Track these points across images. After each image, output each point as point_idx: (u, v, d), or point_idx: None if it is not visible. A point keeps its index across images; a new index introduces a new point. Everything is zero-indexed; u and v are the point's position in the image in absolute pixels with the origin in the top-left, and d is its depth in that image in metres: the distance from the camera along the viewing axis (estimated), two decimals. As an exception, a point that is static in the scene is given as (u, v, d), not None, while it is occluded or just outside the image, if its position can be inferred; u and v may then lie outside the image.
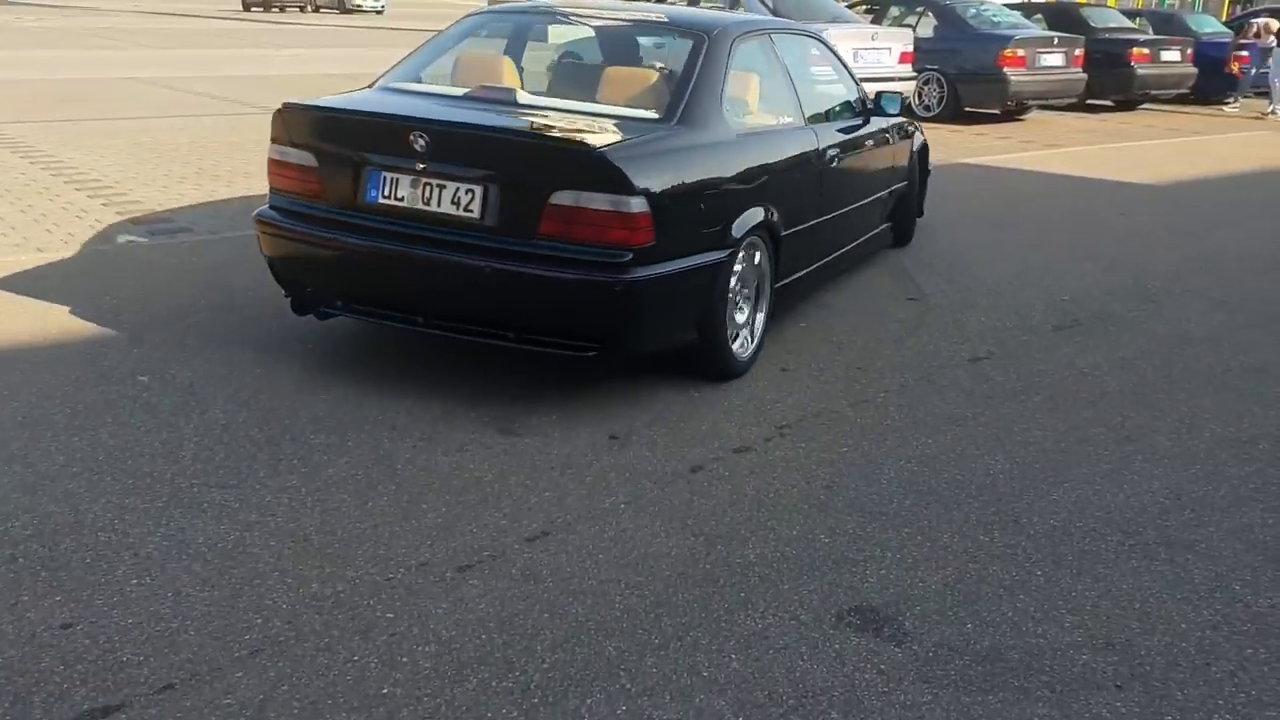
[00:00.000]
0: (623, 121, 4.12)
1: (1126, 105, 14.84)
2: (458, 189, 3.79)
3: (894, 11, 13.74)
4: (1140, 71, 13.84)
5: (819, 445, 3.67)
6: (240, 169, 7.99)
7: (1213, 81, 15.12)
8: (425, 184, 3.83)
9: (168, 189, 7.19)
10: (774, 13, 10.98)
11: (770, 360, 4.47)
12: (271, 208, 4.23)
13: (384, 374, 4.13)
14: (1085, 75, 12.90)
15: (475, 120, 4.12)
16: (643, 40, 5.27)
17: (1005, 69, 11.96)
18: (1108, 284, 5.86)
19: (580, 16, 5.07)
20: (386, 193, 3.89)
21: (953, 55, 12.37)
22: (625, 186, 3.67)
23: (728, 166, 4.26)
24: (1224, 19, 20.17)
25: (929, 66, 12.35)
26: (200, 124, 10.30)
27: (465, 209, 3.78)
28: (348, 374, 4.11)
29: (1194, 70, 14.77)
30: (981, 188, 8.65)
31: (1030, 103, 12.83)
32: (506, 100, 4.38)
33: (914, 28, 12.64)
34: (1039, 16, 15.03)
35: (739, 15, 6.01)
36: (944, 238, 6.79)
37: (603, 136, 3.84)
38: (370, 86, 4.68)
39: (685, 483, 3.35)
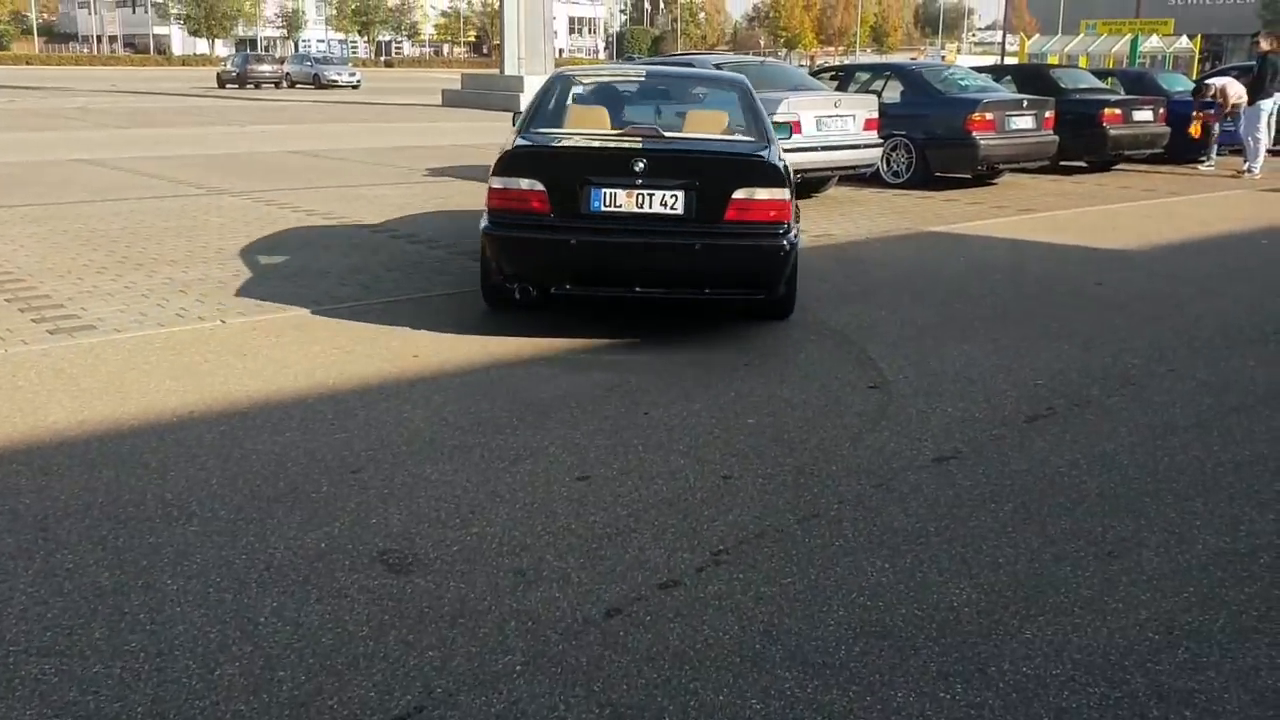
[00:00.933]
0: (744, 143, 6.17)
1: (1100, 166, 14.61)
2: (664, 194, 5.46)
3: (861, 77, 13.53)
4: (1113, 132, 13.59)
5: (759, 575, 3.19)
6: (167, 256, 7.56)
7: (1187, 141, 14.91)
8: (638, 194, 5.47)
9: (82, 281, 6.75)
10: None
11: (712, 466, 4.01)
12: (495, 224, 5.62)
13: (268, 496, 3.65)
14: (1057, 137, 12.63)
15: (673, 148, 5.84)
16: (695, 90, 7.46)
17: (974, 133, 11.68)
18: (1085, 364, 5.43)
19: (633, 77, 7.72)
20: (607, 203, 5.48)
21: (920, 120, 12.09)
22: (781, 182, 5.60)
23: (793, 170, 5.98)
24: (1194, 78, 20.11)
25: (896, 132, 12.05)
26: (140, 207, 9.90)
27: (671, 208, 5.49)
28: (228, 498, 3.63)
29: (1167, 130, 14.55)
30: (951, 258, 8.28)
31: (1001, 166, 12.54)
32: (658, 135, 5.99)
33: (880, 94, 12.38)
34: (1009, 78, 14.84)
35: (729, 74, 7.98)
36: (910, 314, 6.39)
37: (756, 153, 5.87)
38: (520, 135, 6.12)
39: (598, 632, 2.86)
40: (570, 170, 5.58)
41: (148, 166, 13.52)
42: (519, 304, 6.01)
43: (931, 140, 12.02)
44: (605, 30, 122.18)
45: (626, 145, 5.73)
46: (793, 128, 10.19)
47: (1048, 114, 12.53)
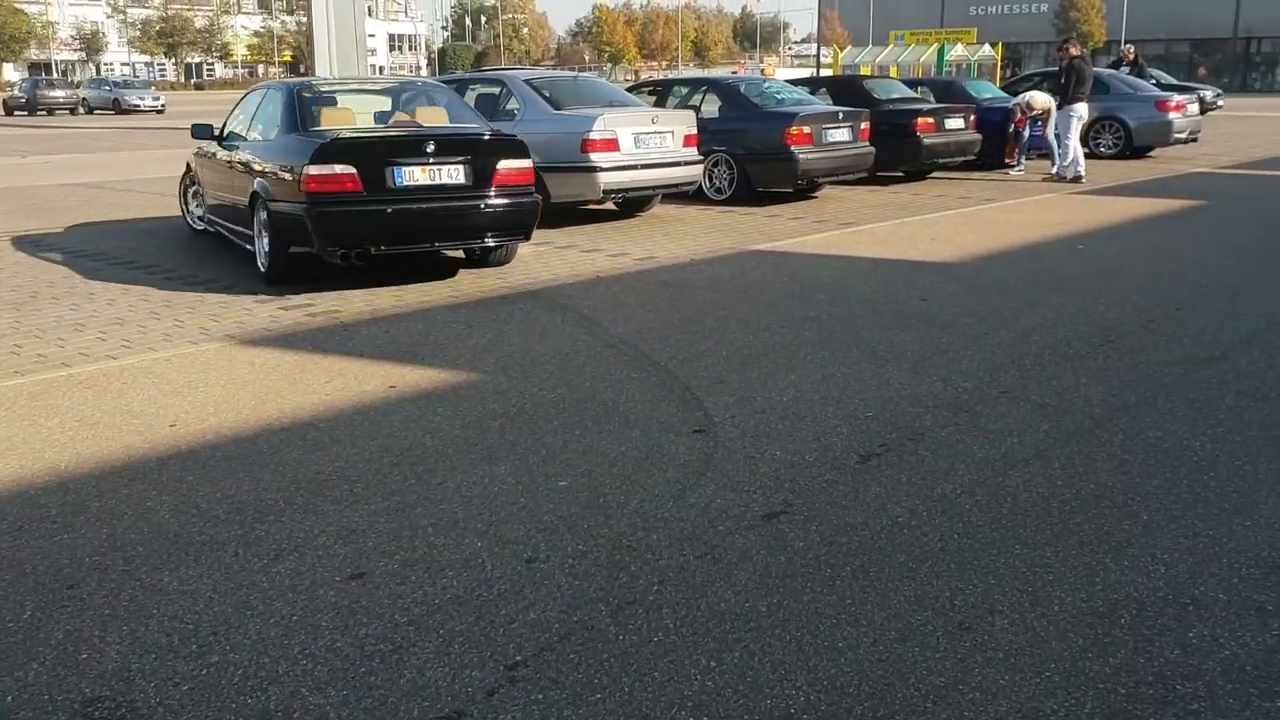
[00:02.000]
0: (484, 128, 8.04)
1: (916, 175, 14.75)
2: (450, 168, 7.16)
3: (679, 92, 13.26)
4: (927, 141, 13.71)
5: (563, 693, 2.66)
6: (-109, 315, 6.53)
7: (997, 147, 15.23)
8: (430, 169, 7.10)
9: None
10: (550, 101, 10.24)
11: (514, 547, 3.46)
12: (315, 203, 6.85)
13: (-49, 635, 2.91)
14: (873, 149, 12.62)
15: (452, 131, 7.73)
16: (413, 92, 9.02)
17: (792, 147, 11.51)
18: (915, 391, 5.12)
19: (360, 85, 9.42)
20: (407, 179, 7.03)
21: (739, 135, 11.86)
22: (528, 154, 7.59)
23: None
24: (999, 84, 20.73)
25: (716, 148, 11.80)
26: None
27: (455, 179, 7.20)
28: (-106, 642, 2.87)
29: (978, 137, 14.80)
30: (774, 278, 7.96)
31: (821, 180, 12.43)
32: (420, 125, 7.94)
33: (698, 109, 12.11)
34: (824, 90, 14.85)
35: (435, 81, 10.57)
36: (737, 343, 5.99)
37: (507, 134, 7.95)
38: (300, 135, 7.40)
39: (354, 799, 2.27)
40: (375, 155, 7.10)
41: (-101, 206, 12.09)
42: (304, 279, 7.45)
43: (751, 155, 11.80)
44: (426, 47, 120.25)
45: (418, 132, 7.59)
46: (609, 145, 9.77)
47: (864, 125, 12.51)
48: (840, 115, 12.21)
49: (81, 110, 44.45)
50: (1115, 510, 3.77)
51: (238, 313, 6.73)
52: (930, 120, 13.79)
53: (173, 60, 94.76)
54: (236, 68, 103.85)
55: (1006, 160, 15.13)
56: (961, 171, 15.55)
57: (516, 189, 7.47)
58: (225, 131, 8.70)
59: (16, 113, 41.88)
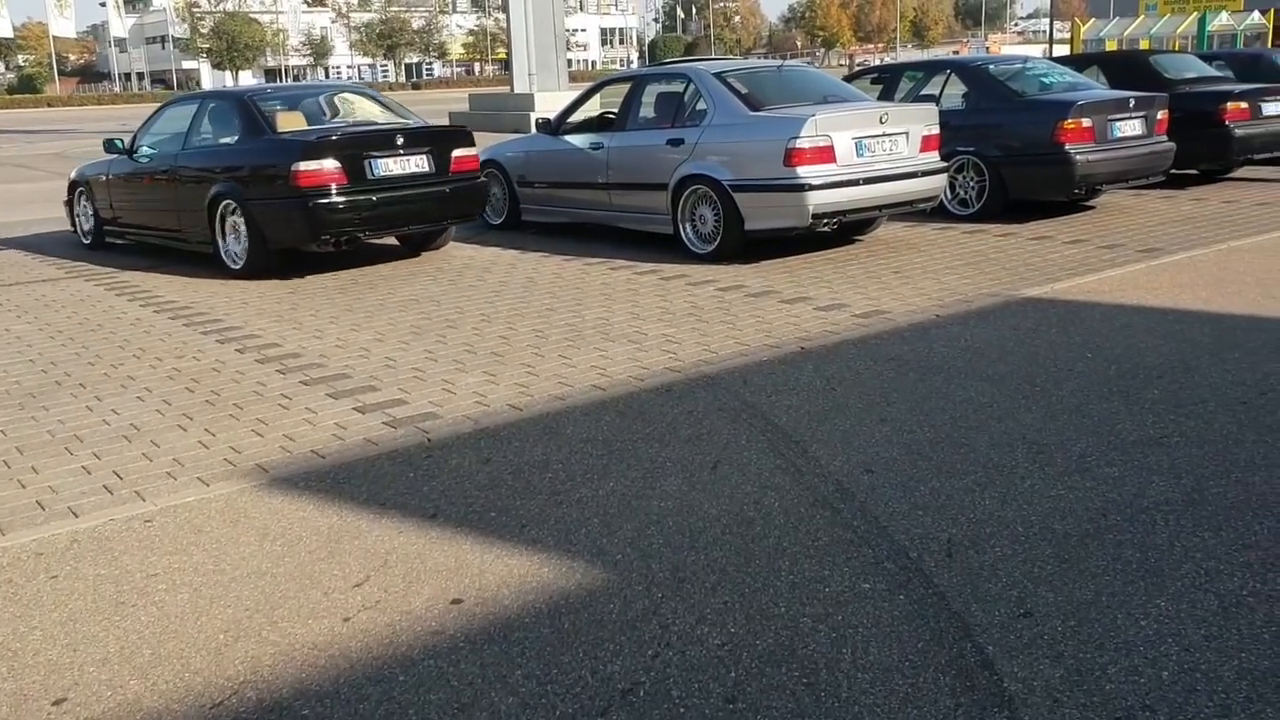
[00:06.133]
0: (421, 121, 9.08)
1: (1215, 175, 11.63)
2: (416, 158, 8.14)
3: (913, 76, 10.68)
4: (1239, 132, 10.57)
5: None
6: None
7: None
8: (400, 159, 8.05)
9: None
10: (746, 99, 8.03)
11: None
12: (309, 195, 7.59)
13: None
14: (1173, 145, 9.69)
15: (415, 125, 8.67)
16: (344, 93, 9.83)
17: (1067, 146, 8.79)
18: None
19: (300, 91, 9.93)
20: (382, 170, 7.95)
21: (993, 132, 9.21)
22: (474, 143, 8.68)
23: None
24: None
25: (961, 149, 9.22)
26: None
27: (420, 168, 8.17)
28: None
29: (1301, 124, 11.51)
30: (1069, 352, 5.43)
31: (1104, 186, 9.63)
32: (376, 122, 8.85)
33: (937, 99, 9.55)
34: (1094, 68, 11.91)
35: (349, 81, 12.12)
36: (1036, 502, 3.59)
37: (455, 125, 9.69)
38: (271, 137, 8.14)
39: None
40: (355, 150, 7.84)
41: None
42: (277, 272, 8.14)
43: (1009, 157, 9.14)
44: (638, 40, 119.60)
45: (388, 126, 8.49)
46: (821, 155, 7.43)
47: (1160, 115, 9.61)
48: (1132, 103, 9.34)
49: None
50: None
51: (297, 417, 4.82)
52: (1243, 105, 10.63)
53: (393, 61, 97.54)
54: (453, 66, 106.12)
55: None
56: (1271, 169, 12.27)
57: (470, 175, 8.54)
58: (136, 146, 9.24)
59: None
